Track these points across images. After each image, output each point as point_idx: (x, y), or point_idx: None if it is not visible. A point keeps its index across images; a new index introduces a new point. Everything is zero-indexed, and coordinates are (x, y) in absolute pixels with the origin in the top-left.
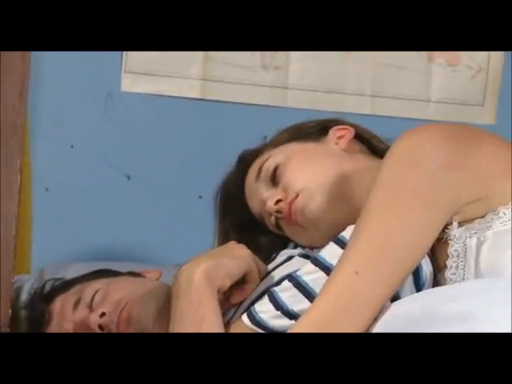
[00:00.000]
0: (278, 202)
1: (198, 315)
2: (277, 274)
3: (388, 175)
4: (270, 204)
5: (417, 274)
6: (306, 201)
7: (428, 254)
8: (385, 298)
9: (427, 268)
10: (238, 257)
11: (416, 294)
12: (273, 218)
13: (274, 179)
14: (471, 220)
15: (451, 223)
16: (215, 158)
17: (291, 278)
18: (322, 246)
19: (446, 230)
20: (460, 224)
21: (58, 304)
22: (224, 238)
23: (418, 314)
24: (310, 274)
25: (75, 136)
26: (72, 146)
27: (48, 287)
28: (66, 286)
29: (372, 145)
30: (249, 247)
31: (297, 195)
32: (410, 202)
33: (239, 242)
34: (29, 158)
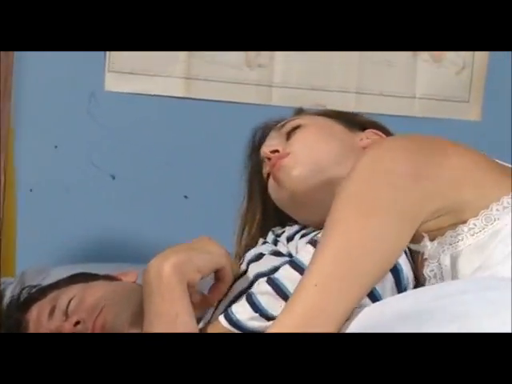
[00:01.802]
0: (274, 151)
1: (172, 312)
2: (251, 274)
3: (352, 185)
4: (266, 150)
5: (397, 276)
6: (292, 163)
7: (409, 260)
8: (346, 311)
9: (407, 270)
10: (209, 252)
11: (405, 293)
12: (267, 167)
13: (289, 135)
14: (443, 233)
15: (422, 237)
16: (201, 157)
17: (270, 280)
18: (298, 219)
19: (419, 243)
20: (432, 238)
21: (34, 312)
22: (249, 199)
23: (409, 310)
24: (289, 278)
25: (59, 136)
26: (56, 147)
27: (24, 295)
28: (42, 293)
29: None
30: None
31: (287, 154)
32: (373, 212)
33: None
34: (12, 158)
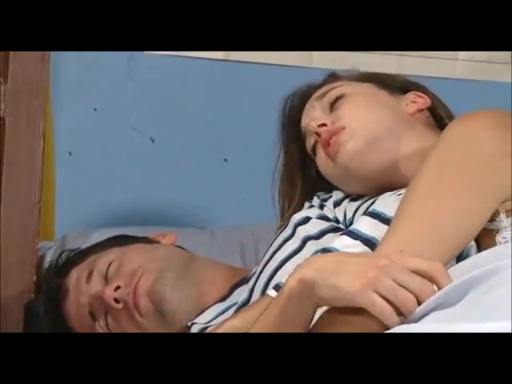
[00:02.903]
0: (321, 125)
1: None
2: (298, 237)
3: (440, 157)
4: (314, 124)
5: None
6: (347, 138)
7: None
8: None
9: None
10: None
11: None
12: (312, 139)
13: (333, 106)
14: None
15: (498, 214)
16: (240, 120)
17: (327, 251)
18: (345, 191)
19: (494, 221)
20: (507, 214)
21: (73, 276)
22: (287, 154)
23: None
24: (351, 249)
25: (98, 99)
26: (95, 109)
27: (63, 259)
28: (80, 256)
29: (443, 123)
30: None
31: (342, 128)
32: (461, 187)
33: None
34: (51, 121)
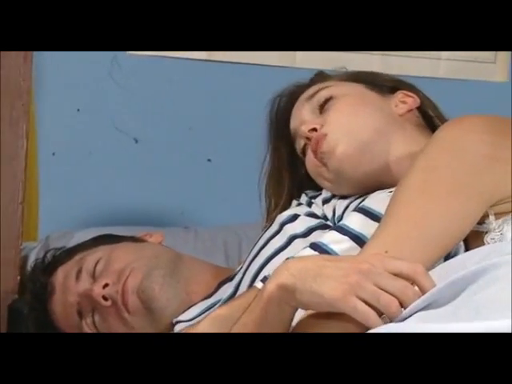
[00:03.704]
0: (312, 130)
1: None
2: (285, 235)
3: (429, 159)
4: (305, 129)
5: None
6: (333, 144)
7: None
8: None
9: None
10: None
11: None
12: (302, 142)
13: (322, 108)
14: (507, 213)
15: (487, 216)
16: (224, 121)
17: (315, 246)
18: (337, 193)
19: (483, 224)
20: (497, 217)
21: (59, 275)
22: (275, 154)
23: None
24: (339, 244)
25: (81, 99)
26: (78, 110)
27: (49, 258)
28: (67, 255)
29: (432, 123)
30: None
31: (325, 135)
32: (449, 189)
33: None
34: (34, 122)
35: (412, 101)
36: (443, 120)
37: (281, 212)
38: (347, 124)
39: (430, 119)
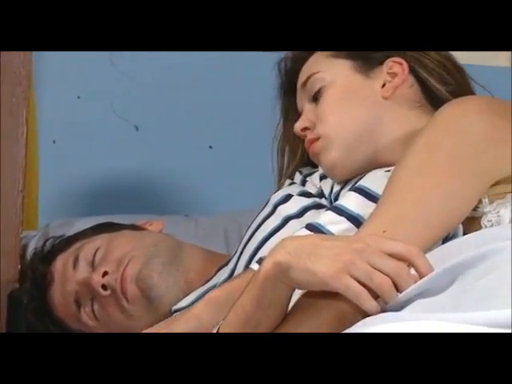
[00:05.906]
0: (304, 129)
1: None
2: (279, 216)
3: (429, 140)
4: (297, 128)
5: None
6: (324, 147)
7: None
8: None
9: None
10: None
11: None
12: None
13: (315, 97)
14: (503, 196)
15: (481, 201)
16: (225, 107)
17: (312, 227)
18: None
19: (477, 209)
20: (491, 201)
21: (58, 264)
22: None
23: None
24: (335, 225)
25: (82, 86)
26: (78, 97)
27: (48, 246)
28: (66, 243)
29: (429, 88)
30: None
31: (318, 138)
32: (449, 170)
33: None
34: (35, 109)
35: (400, 71)
36: (442, 80)
37: (294, 171)
38: (335, 126)
39: (423, 81)
